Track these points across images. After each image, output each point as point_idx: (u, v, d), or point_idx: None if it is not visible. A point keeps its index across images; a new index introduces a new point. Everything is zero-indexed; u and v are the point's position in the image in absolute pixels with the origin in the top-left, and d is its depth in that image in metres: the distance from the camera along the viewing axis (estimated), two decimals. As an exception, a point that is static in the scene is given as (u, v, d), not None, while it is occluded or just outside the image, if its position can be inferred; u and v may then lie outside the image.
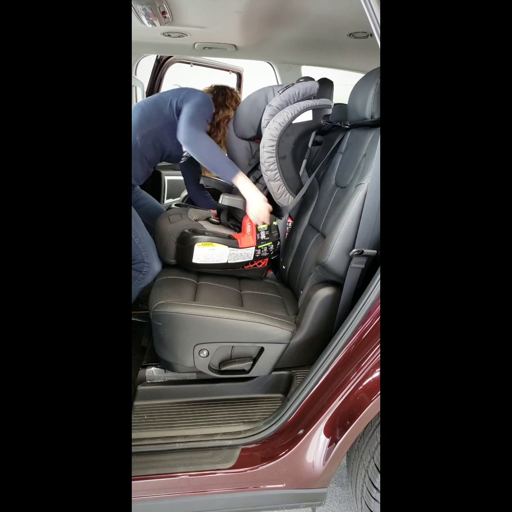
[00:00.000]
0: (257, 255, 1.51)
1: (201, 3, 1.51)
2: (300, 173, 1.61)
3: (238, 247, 1.46)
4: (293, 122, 1.44)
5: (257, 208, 1.44)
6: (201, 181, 1.90)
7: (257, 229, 1.49)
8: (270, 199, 1.57)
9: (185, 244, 1.43)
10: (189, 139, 1.47)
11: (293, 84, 1.54)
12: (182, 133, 1.48)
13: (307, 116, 1.45)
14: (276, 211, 1.59)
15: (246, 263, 1.51)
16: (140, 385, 1.24)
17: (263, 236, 1.50)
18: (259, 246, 1.50)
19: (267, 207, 1.46)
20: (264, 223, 1.49)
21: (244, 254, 1.48)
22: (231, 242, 1.46)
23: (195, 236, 1.42)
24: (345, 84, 2.08)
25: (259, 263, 1.56)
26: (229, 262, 1.47)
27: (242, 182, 1.44)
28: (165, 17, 1.61)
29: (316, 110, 1.46)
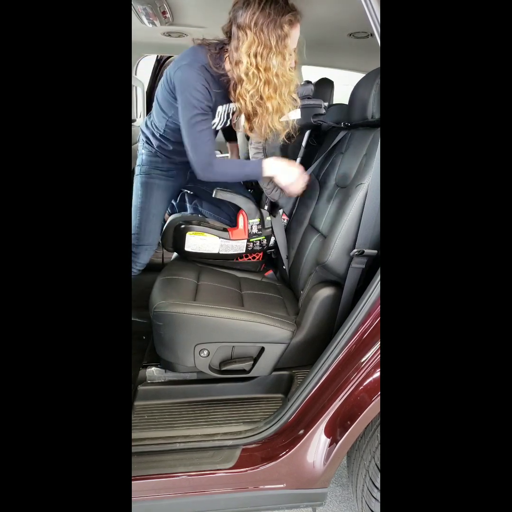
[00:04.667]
0: (250, 248, 1.56)
1: (201, 3, 1.52)
2: None
3: (229, 239, 1.52)
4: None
5: (289, 180, 1.35)
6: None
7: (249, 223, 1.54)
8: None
9: (179, 233, 1.52)
10: (207, 176, 1.31)
11: None
12: (196, 171, 1.29)
13: (296, 114, 1.47)
14: (270, 208, 1.61)
15: (240, 255, 1.57)
16: (140, 385, 1.24)
17: (255, 230, 1.55)
18: (251, 240, 1.55)
19: (297, 173, 1.36)
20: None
21: (236, 246, 1.54)
22: (223, 234, 1.52)
23: (188, 226, 1.51)
24: (345, 84, 2.08)
25: (254, 257, 1.61)
26: (220, 252, 1.53)
27: (270, 170, 1.33)
28: (165, 17, 1.61)
29: (305, 109, 1.47)
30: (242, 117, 1.37)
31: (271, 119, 1.26)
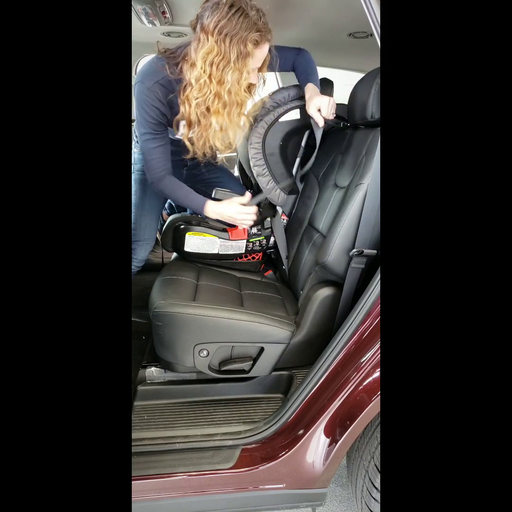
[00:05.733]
0: (249, 249, 1.57)
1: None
2: (294, 171, 1.63)
3: (228, 239, 1.53)
4: (280, 120, 1.49)
5: (231, 216, 1.34)
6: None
7: None
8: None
9: (178, 233, 1.53)
10: (156, 189, 1.35)
11: (284, 87, 1.58)
12: (149, 181, 1.34)
13: (295, 115, 1.48)
14: (270, 208, 1.62)
15: (239, 255, 1.57)
16: (140, 385, 1.24)
17: (254, 230, 1.55)
18: (251, 240, 1.56)
19: (234, 207, 1.33)
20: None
21: (235, 246, 1.55)
22: (222, 234, 1.52)
23: (188, 226, 1.51)
24: (345, 84, 2.08)
25: (253, 257, 1.61)
26: (220, 253, 1.54)
27: (210, 213, 1.33)
28: (165, 17, 1.61)
29: (303, 109, 1.49)
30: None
31: (212, 135, 1.20)
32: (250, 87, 1.20)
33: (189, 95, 1.14)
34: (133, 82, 1.24)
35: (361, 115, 1.21)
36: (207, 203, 1.32)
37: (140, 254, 1.53)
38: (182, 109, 1.18)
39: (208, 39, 1.06)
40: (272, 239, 1.60)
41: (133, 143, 1.53)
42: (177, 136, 1.35)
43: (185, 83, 1.15)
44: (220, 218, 1.35)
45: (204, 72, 1.08)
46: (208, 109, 1.15)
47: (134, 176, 1.53)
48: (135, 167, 1.53)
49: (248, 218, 1.34)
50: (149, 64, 1.22)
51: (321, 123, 1.34)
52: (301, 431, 1.03)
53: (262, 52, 1.12)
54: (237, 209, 1.31)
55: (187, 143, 1.26)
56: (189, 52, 1.13)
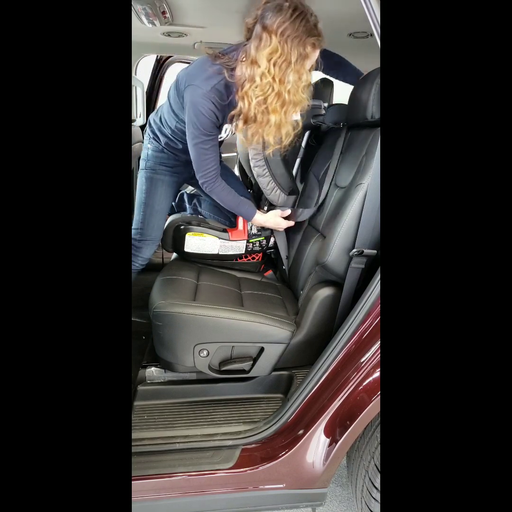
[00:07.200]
0: (249, 249, 1.57)
1: (201, 3, 1.51)
2: (294, 171, 1.63)
3: (228, 240, 1.53)
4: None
5: (273, 224, 1.49)
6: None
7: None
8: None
9: (179, 233, 1.53)
10: (207, 190, 1.38)
11: None
12: (199, 182, 1.36)
13: (295, 115, 1.49)
14: (269, 209, 1.62)
15: (239, 256, 1.58)
16: (140, 385, 1.24)
17: (254, 231, 1.56)
18: (251, 240, 1.56)
19: (275, 216, 1.50)
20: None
21: (235, 247, 1.55)
22: (222, 235, 1.53)
23: (188, 226, 1.52)
24: (345, 84, 2.08)
25: (253, 258, 1.61)
26: (220, 253, 1.55)
27: (258, 222, 1.48)
28: (165, 17, 1.61)
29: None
30: None
31: (267, 131, 1.24)
32: (305, 89, 1.23)
33: (249, 92, 1.16)
34: (182, 85, 1.25)
35: (361, 115, 1.21)
36: (256, 215, 1.46)
37: (146, 253, 1.54)
38: (240, 104, 1.20)
39: (271, 39, 1.09)
40: (272, 239, 1.60)
41: (149, 139, 1.50)
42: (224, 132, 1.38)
43: (244, 80, 1.17)
44: (264, 226, 1.51)
45: (268, 71, 1.12)
46: (267, 107, 1.18)
47: (145, 174, 1.50)
48: (147, 164, 1.50)
49: (283, 226, 1.51)
50: (202, 68, 1.22)
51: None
52: (301, 431, 1.03)
53: (316, 55, 1.18)
54: (277, 221, 1.49)
55: (240, 136, 1.29)
56: (248, 51, 1.15)
